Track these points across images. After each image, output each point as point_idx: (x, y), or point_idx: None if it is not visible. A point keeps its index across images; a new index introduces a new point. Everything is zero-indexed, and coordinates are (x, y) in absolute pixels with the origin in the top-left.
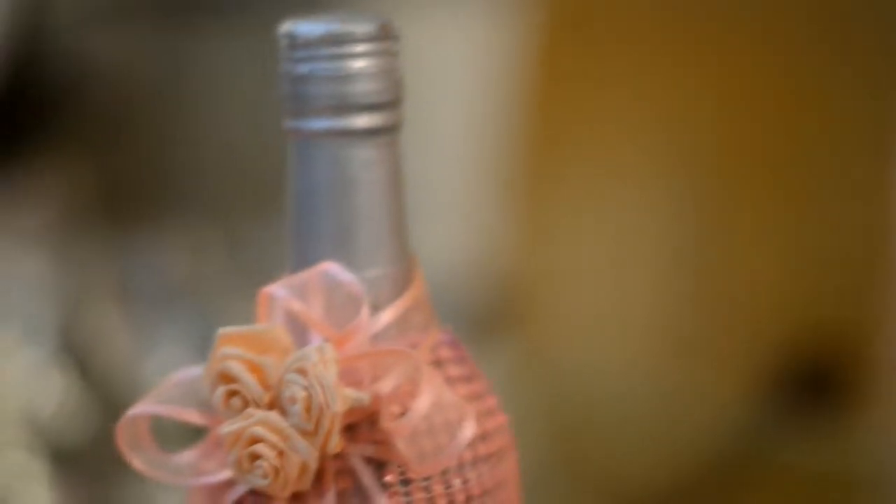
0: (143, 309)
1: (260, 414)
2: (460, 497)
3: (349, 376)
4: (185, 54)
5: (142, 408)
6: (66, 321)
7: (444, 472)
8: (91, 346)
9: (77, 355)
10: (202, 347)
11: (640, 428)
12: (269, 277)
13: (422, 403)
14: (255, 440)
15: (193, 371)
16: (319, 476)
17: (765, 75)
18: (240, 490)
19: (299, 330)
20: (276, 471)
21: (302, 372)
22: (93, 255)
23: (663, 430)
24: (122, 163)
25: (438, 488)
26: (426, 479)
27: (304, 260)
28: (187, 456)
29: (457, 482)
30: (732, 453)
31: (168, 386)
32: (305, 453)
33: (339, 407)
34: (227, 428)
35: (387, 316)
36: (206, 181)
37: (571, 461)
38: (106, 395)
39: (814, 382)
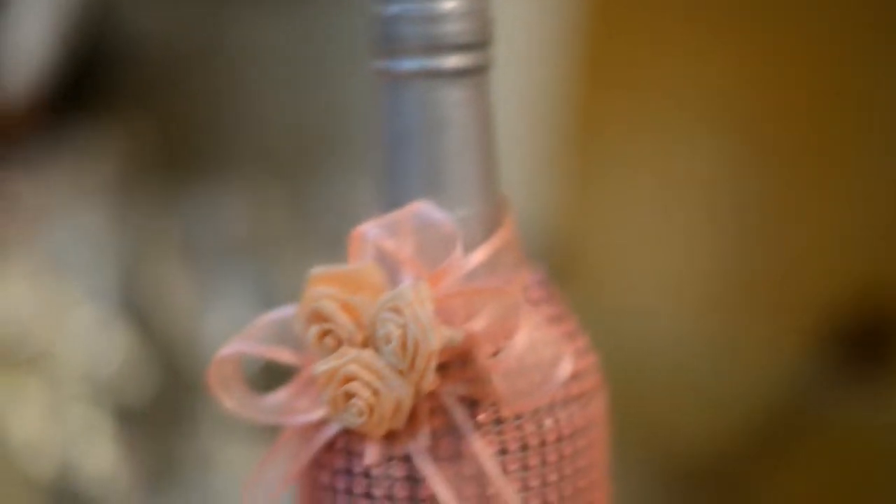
0: (203, 265)
1: (354, 352)
2: (552, 436)
3: (442, 315)
4: (245, 14)
5: (233, 347)
6: (127, 278)
7: (536, 412)
8: (152, 303)
9: (138, 312)
10: (263, 302)
11: (693, 379)
12: (330, 233)
13: (520, 340)
14: (350, 379)
15: (285, 311)
16: (413, 415)
17: (819, 31)
18: (332, 429)
19: (390, 269)
20: (371, 409)
21: (397, 310)
22: (153, 212)
23: (716, 383)
24: (182, 121)
25: (530, 427)
26: (518, 418)
27: (394, 200)
28: (278, 396)
29: (548, 422)
30: (784, 406)
31: (259, 326)
32: (400, 391)
33: (434, 344)
34: (321, 367)
35: (479, 255)
36: (268, 138)
37: (623, 411)
38: (167, 352)
39: (868, 339)
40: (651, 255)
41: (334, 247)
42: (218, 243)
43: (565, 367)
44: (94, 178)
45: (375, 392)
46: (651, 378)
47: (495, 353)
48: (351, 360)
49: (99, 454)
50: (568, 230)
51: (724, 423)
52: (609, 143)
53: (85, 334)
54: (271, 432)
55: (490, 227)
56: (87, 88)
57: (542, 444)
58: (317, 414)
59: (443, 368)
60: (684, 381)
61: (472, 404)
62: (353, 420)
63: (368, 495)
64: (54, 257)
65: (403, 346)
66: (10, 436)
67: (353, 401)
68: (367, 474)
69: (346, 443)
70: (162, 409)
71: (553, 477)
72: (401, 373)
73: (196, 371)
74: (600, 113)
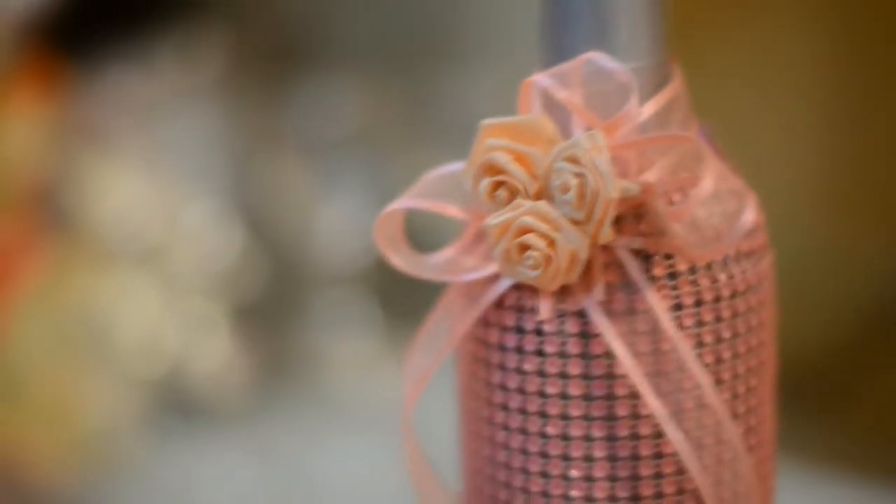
0: (316, 158)
1: (529, 204)
2: (726, 291)
3: (616, 167)
4: None
5: (401, 202)
6: (240, 173)
7: (710, 267)
8: (264, 198)
9: (250, 207)
10: (377, 195)
11: (804, 278)
12: (445, 123)
13: (704, 189)
14: (525, 231)
15: (453, 165)
16: (587, 269)
17: None
18: (503, 285)
19: (560, 122)
20: (547, 261)
21: (573, 160)
22: (265, 106)
23: (828, 281)
24: (293, 13)
25: (705, 282)
26: (692, 273)
27: (559, 52)
28: (445, 253)
29: (722, 277)
30: (886, 311)
31: (427, 181)
32: (577, 243)
33: (613, 193)
34: (495, 220)
35: (650, 107)
36: (382, 27)
37: None
38: (279, 247)
39: None
40: (758, 149)
41: (450, 137)
42: (331, 136)
43: (748, 218)
44: (204, 72)
45: (551, 244)
46: None
47: (675, 204)
48: (526, 211)
49: (211, 351)
50: None
51: (836, 322)
52: (708, 34)
53: (198, 230)
54: (384, 326)
55: (658, 81)
56: None
57: (717, 299)
58: (487, 270)
59: (617, 222)
60: (795, 280)
61: (646, 259)
62: (527, 273)
63: (539, 353)
64: (166, 153)
65: (581, 195)
66: (122, 332)
67: (528, 253)
68: (538, 331)
69: (517, 299)
70: (274, 304)
71: (727, 334)
72: (577, 224)
73: (309, 266)
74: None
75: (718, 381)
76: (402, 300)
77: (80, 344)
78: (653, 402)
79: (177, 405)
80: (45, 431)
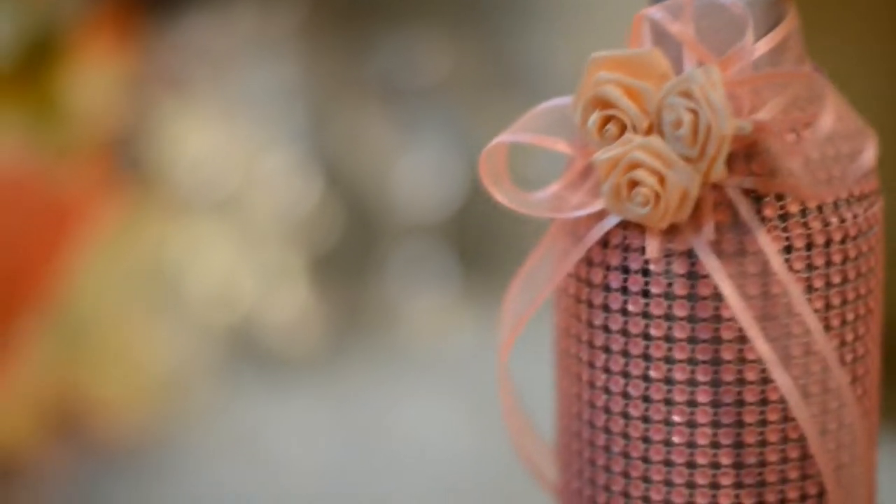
0: (396, 109)
1: (640, 139)
2: (837, 235)
3: (729, 103)
4: None
5: (506, 136)
6: (318, 123)
7: (821, 209)
8: (343, 148)
9: (329, 157)
10: (457, 148)
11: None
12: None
13: (822, 127)
14: (635, 166)
15: (560, 100)
16: (697, 208)
17: None
18: (609, 223)
19: (670, 57)
20: (657, 198)
21: (687, 95)
22: (345, 57)
23: None
24: None
25: (816, 225)
26: (804, 215)
27: None
28: (549, 190)
29: (834, 220)
30: None
31: (532, 115)
32: (688, 180)
33: (728, 129)
34: (604, 155)
35: (765, 44)
36: None
37: None
38: (357, 196)
39: None
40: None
41: (531, 90)
42: (410, 86)
43: (867, 159)
44: (283, 21)
45: (662, 180)
46: None
47: (788, 143)
48: (637, 146)
49: (286, 301)
50: None
51: None
52: None
53: (275, 179)
54: (461, 278)
55: (773, 17)
56: None
57: (828, 242)
58: (593, 207)
59: (728, 160)
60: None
61: (757, 199)
62: (636, 210)
63: (645, 293)
64: (244, 103)
65: (694, 131)
66: (196, 282)
67: (638, 189)
68: (645, 271)
69: (624, 238)
70: (351, 255)
71: (837, 279)
72: (689, 160)
73: (386, 216)
74: None
75: (827, 328)
76: (480, 252)
77: (154, 292)
78: (761, 347)
79: (250, 355)
80: (117, 379)
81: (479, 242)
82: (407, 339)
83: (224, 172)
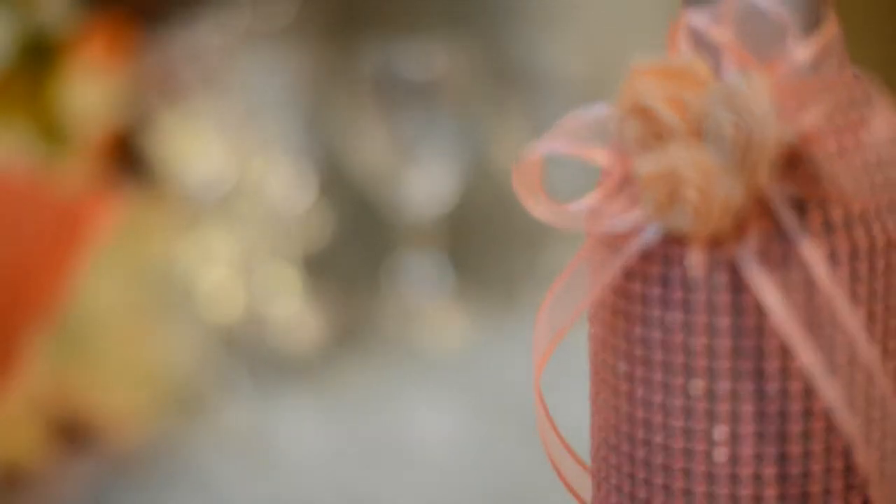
0: (393, 114)
1: (682, 148)
2: (881, 241)
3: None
4: None
5: (542, 146)
6: (315, 127)
7: (864, 216)
8: (340, 151)
9: (325, 160)
10: (459, 148)
11: None
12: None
13: (871, 134)
14: (677, 175)
15: (597, 108)
16: (740, 217)
17: None
18: (648, 235)
19: (709, 63)
20: (699, 208)
21: (730, 102)
22: (343, 59)
23: None
24: None
25: (859, 232)
26: (847, 223)
27: None
28: (587, 201)
29: (876, 226)
30: None
31: (569, 124)
32: (731, 189)
33: (772, 138)
34: (645, 164)
35: (808, 48)
36: None
37: None
38: (355, 200)
39: None
40: None
41: (531, 90)
42: (410, 89)
43: None
44: (279, 25)
45: (704, 190)
46: None
47: (831, 150)
48: (678, 155)
49: (286, 304)
50: None
51: None
52: None
53: (272, 182)
54: (474, 289)
55: (814, 21)
56: None
57: (871, 249)
58: (633, 217)
59: (770, 168)
60: None
61: (800, 207)
62: (678, 220)
63: (686, 303)
64: (241, 106)
65: (737, 140)
66: (198, 285)
67: (680, 199)
68: (686, 281)
69: (664, 248)
70: (348, 259)
71: (880, 287)
72: (732, 169)
73: (383, 219)
74: None
75: (871, 337)
76: (475, 254)
77: (156, 296)
78: (807, 357)
79: (252, 358)
80: (121, 383)
81: (474, 244)
82: (406, 340)
83: (221, 175)
